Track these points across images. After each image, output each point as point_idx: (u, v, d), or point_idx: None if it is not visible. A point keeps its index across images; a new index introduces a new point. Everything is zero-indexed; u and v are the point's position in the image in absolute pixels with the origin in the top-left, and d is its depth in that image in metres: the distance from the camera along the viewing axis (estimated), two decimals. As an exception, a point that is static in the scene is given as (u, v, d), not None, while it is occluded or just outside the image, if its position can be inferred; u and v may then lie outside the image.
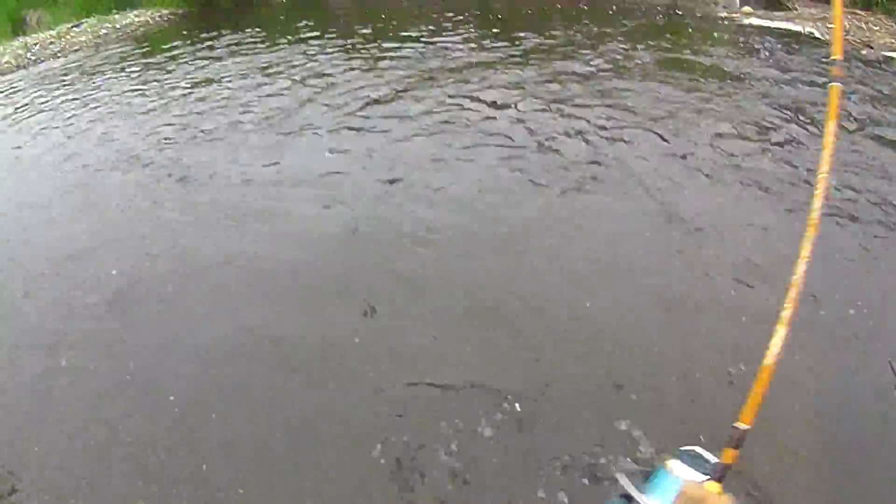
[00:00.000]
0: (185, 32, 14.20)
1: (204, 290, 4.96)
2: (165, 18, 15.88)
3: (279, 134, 7.51)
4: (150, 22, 15.77)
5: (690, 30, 9.52)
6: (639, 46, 8.74)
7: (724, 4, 10.34)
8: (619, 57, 8.36)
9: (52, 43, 15.41)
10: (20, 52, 15.24)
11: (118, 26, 15.69)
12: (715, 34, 9.27)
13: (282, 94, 8.84)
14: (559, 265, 4.68)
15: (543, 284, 4.53)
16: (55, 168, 7.85)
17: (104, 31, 15.56)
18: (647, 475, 1.05)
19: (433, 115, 7.34)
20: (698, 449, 1.09)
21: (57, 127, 9.37)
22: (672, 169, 5.68)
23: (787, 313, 1.28)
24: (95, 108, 9.86)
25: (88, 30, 15.73)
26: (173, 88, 10.04)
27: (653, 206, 5.17)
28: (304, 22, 12.77)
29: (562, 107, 7.04)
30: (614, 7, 10.79)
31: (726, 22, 9.82)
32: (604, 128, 6.46)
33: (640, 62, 8.16)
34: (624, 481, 1.02)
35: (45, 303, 5.16)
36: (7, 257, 5.95)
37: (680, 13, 10.35)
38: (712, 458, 1.07)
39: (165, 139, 8.02)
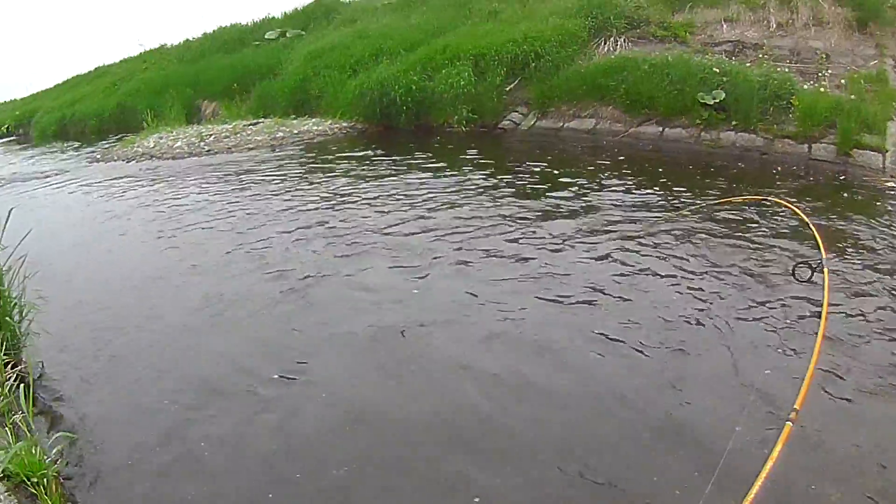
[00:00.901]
0: (361, 147, 13.51)
1: None
2: (343, 131, 15.30)
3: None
4: (328, 132, 15.21)
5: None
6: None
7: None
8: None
9: (226, 137, 15.08)
10: (194, 140, 15.06)
11: (295, 131, 15.21)
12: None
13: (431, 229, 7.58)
14: None
15: None
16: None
17: (281, 133, 15.13)
18: None
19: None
20: None
21: (220, 220, 8.65)
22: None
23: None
24: (257, 213, 9.02)
25: (265, 130, 15.34)
26: (342, 203, 9.10)
27: None
28: (476, 155, 11.82)
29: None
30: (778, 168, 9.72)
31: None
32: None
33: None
34: None
35: None
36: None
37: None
38: None
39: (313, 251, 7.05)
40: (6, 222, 4.70)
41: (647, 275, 5.87)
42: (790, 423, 1.71)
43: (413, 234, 7.38)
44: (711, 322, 4.94)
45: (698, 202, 7.84)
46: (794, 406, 1.82)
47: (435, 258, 6.54)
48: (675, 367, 4.40)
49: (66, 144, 20.82)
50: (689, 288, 5.56)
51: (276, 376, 4.56)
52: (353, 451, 3.75)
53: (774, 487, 2.66)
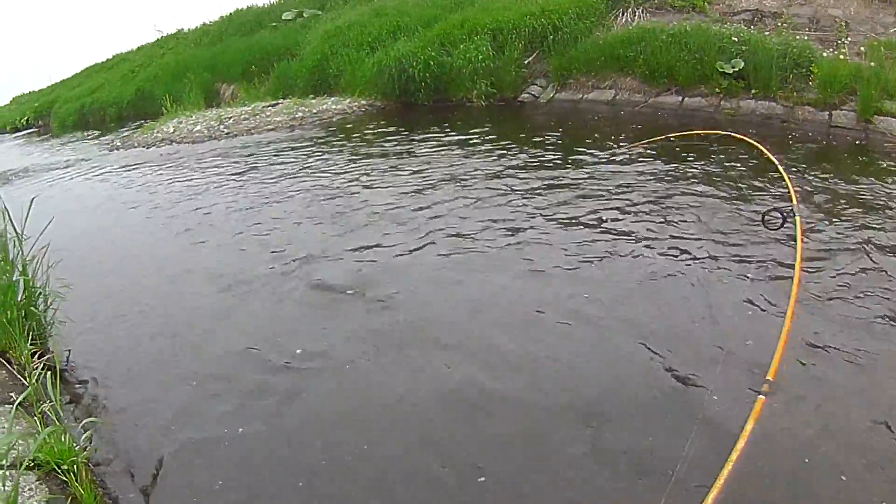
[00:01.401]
0: (381, 124, 13.43)
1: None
2: (363, 109, 15.20)
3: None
4: (347, 111, 15.12)
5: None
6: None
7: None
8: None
9: (246, 119, 15.06)
10: (213, 123, 15.03)
11: (314, 111, 15.13)
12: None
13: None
14: None
15: None
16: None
17: (300, 113, 15.05)
18: None
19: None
20: None
21: (240, 202, 8.60)
22: None
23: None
24: (278, 190, 9.06)
25: (284, 111, 15.29)
26: (358, 180, 9.08)
27: None
28: (495, 129, 11.68)
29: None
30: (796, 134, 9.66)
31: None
32: None
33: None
34: None
35: None
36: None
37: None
38: None
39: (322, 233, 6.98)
40: (28, 212, 4.65)
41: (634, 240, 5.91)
42: (763, 397, 1.65)
43: (424, 207, 7.38)
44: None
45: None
46: (767, 377, 1.76)
47: (454, 231, 6.51)
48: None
49: (85, 133, 20.90)
50: (671, 249, 5.64)
51: (298, 351, 4.56)
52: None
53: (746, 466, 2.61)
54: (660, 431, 3.42)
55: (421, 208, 7.34)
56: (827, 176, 7.29)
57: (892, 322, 4.23)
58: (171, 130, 15.34)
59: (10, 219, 4.68)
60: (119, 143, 15.86)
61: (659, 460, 3.15)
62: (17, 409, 3.07)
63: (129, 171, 12.12)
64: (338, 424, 3.84)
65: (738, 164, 7.85)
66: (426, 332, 4.71)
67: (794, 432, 3.25)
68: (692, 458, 2.96)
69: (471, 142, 10.64)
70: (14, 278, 4.56)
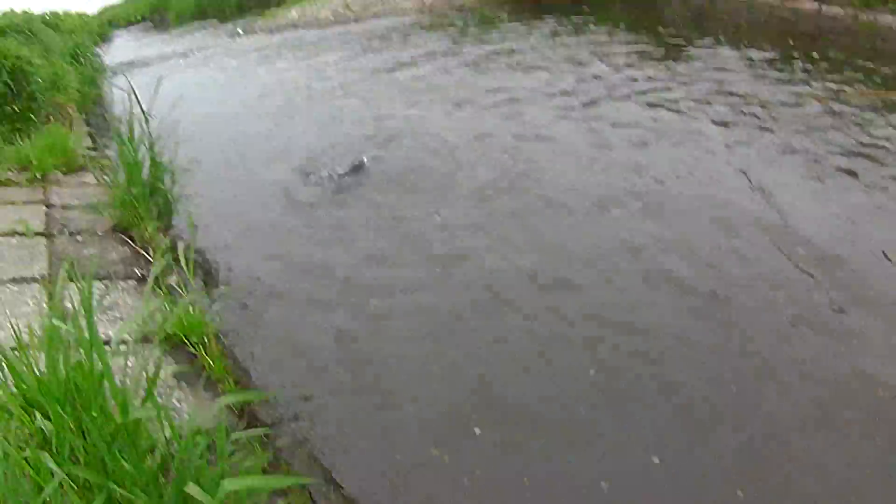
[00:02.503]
0: (510, 12, 12.96)
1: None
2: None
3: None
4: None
5: None
6: None
7: None
8: None
9: (373, 3, 14.77)
10: (339, 8, 14.83)
11: (446, -4, 14.59)
12: None
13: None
14: None
15: None
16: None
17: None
18: None
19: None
20: None
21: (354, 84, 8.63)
22: None
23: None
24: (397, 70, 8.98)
25: (414, -6, 14.88)
26: (486, 64, 8.86)
27: None
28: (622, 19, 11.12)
29: None
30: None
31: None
32: None
33: None
34: None
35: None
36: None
37: None
38: None
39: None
40: (156, 92, 4.63)
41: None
42: None
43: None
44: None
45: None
46: None
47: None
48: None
49: (205, 23, 21.01)
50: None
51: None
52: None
53: None
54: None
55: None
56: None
57: None
58: (296, 16, 15.27)
59: (138, 98, 4.66)
60: (241, 31, 15.88)
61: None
62: (150, 283, 3.05)
63: (252, 55, 12.13)
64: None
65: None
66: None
67: None
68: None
69: (598, 38, 10.21)
70: (139, 156, 4.56)
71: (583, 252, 4.14)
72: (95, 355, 1.89)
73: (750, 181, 4.85)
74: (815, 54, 8.15)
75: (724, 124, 6.09)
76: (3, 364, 2.04)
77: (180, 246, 3.36)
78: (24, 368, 2.02)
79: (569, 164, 5.45)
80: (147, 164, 4.61)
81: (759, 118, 6.15)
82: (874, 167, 4.98)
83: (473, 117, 6.82)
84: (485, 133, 6.24)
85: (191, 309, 3.41)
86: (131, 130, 4.60)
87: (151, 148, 4.64)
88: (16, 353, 2.09)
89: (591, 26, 10.58)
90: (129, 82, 4.80)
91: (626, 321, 3.44)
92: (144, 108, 4.60)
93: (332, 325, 3.61)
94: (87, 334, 1.88)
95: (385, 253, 4.32)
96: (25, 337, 2.31)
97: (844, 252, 3.87)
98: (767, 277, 3.72)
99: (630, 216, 4.55)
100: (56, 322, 1.99)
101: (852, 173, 4.89)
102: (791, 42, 9.15)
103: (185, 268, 3.46)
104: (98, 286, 3.74)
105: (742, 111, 6.38)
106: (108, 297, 3.67)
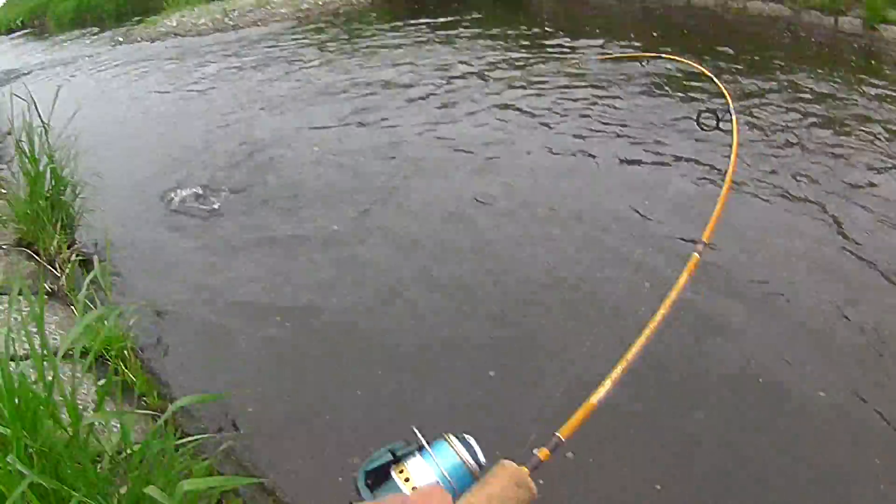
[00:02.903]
0: (385, 17, 13.20)
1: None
2: (369, 0, 14.85)
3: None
4: (353, 2, 14.76)
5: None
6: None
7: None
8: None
9: (251, 11, 14.66)
10: (218, 16, 14.67)
11: (321, 2, 14.75)
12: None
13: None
14: None
15: None
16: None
17: (306, 5, 14.66)
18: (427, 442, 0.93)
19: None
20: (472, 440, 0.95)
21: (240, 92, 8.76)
22: None
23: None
24: (280, 78, 9.15)
25: (290, 2, 14.84)
26: (359, 72, 9.06)
27: None
28: (495, 19, 11.59)
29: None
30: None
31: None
32: None
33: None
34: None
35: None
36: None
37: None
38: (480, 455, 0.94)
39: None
40: (54, 103, 4.54)
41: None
42: (697, 255, 1.70)
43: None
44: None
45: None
46: (702, 238, 1.80)
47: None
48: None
49: (83, 31, 20.34)
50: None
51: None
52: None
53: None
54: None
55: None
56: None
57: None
58: (175, 24, 14.97)
59: (38, 110, 4.56)
60: (121, 38, 15.47)
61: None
62: (46, 298, 3.01)
63: (132, 64, 11.88)
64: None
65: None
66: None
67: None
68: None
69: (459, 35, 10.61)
70: (40, 168, 4.47)
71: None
72: (46, 365, 1.92)
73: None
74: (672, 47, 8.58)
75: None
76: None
77: (95, 260, 3.35)
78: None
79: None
80: (49, 176, 4.52)
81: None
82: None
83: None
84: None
85: (108, 323, 3.39)
86: (31, 142, 4.51)
87: (50, 160, 4.54)
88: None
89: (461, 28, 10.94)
90: (28, 92, 4.69)
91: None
92: (48, 116, 4.52)
93: (247, 340, 3.67)
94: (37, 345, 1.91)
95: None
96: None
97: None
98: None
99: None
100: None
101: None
102: (655, 34, 9.74)
103: (101, 282, 3.46)
104: (4, 301, 3.65)
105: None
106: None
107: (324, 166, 5.88)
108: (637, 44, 8.96)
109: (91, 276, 3.30)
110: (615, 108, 6.60)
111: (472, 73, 8.27)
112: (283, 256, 4.51)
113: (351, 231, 4.72)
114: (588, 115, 6.46)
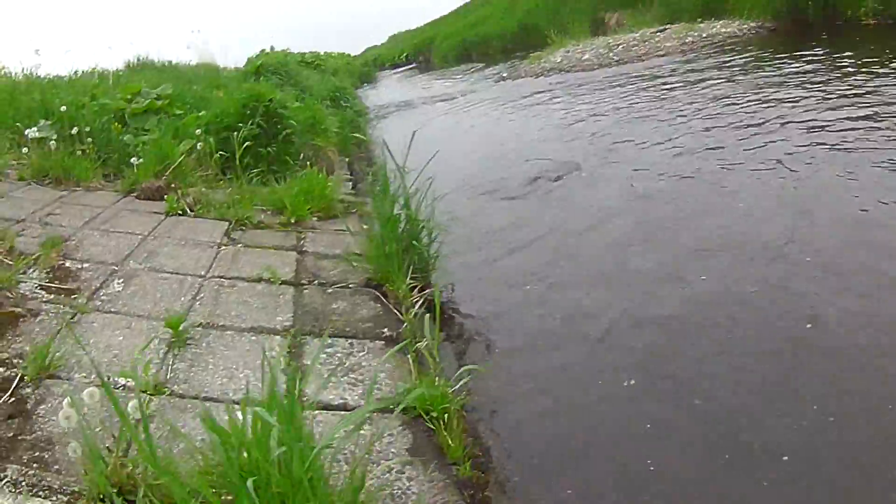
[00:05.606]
0: (770, 48, 12.18)
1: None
2: (753, 31, 14.15)
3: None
4: (737, 33, 14.11)
5: None
6: None
7: None
8: None
9: (635, 45, 14.60)
10: (602, 51, 14.77)
11: (704, 35, 14.27)
12: None
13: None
14: None
15: None
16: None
17: (690, 38, 14.23)
18: None
19: None
20: None
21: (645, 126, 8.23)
22: None
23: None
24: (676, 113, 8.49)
25: (674, 35, 14.58)
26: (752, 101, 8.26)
27: None
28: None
29: None
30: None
31: None
32: None
33: None
34: None
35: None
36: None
37: None
38: None
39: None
40: (410, 144, 4.42)
41: None
42: None
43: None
44: None
45: None
46: None
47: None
48: None
49: (468, 66, 21.43)
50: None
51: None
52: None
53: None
54: None
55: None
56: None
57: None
58: (559, 60, 15.32)
59: (391, 152, 4.48)
60: (506, 74, 16.02)
61: None
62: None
63: (517, 101, 12.00)
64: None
65: None
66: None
67: None
68: None
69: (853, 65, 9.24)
70: (396, 211, 4.37)
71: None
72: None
73: None
74: None
75: None
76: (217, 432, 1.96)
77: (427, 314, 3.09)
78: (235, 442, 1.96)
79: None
80: (404, 218, 4.40)
81: None
82: None
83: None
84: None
85: (435, 380, 3.08)
86: (386, 184, 4.43)
87: (407, 203, 4.41)
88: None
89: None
90: (383, 137, 4.64)
91: None
92: (404, 158, 4.40)
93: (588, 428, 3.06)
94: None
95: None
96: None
97: None
98: None
99: None
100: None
101: None
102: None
103: (430, 334, 3.17)
104: (342, 344, 3.53)
105: None
106: (351, 356, 3.42)
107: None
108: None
109: (431, 329, 3.09)
110: None
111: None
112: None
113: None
114: None
